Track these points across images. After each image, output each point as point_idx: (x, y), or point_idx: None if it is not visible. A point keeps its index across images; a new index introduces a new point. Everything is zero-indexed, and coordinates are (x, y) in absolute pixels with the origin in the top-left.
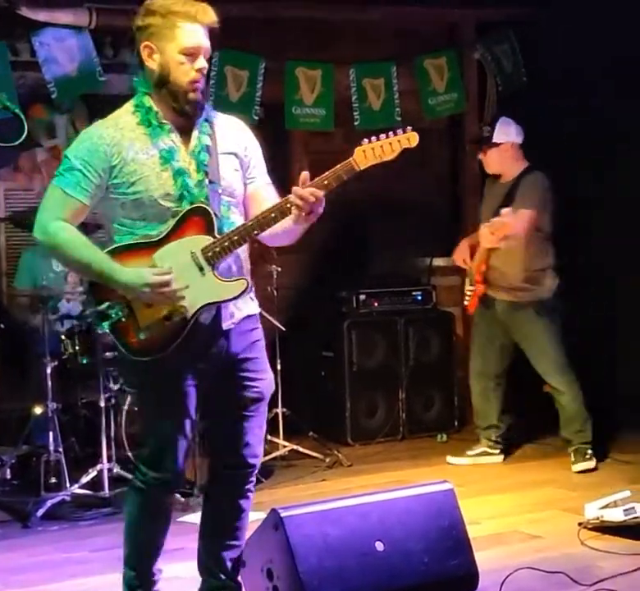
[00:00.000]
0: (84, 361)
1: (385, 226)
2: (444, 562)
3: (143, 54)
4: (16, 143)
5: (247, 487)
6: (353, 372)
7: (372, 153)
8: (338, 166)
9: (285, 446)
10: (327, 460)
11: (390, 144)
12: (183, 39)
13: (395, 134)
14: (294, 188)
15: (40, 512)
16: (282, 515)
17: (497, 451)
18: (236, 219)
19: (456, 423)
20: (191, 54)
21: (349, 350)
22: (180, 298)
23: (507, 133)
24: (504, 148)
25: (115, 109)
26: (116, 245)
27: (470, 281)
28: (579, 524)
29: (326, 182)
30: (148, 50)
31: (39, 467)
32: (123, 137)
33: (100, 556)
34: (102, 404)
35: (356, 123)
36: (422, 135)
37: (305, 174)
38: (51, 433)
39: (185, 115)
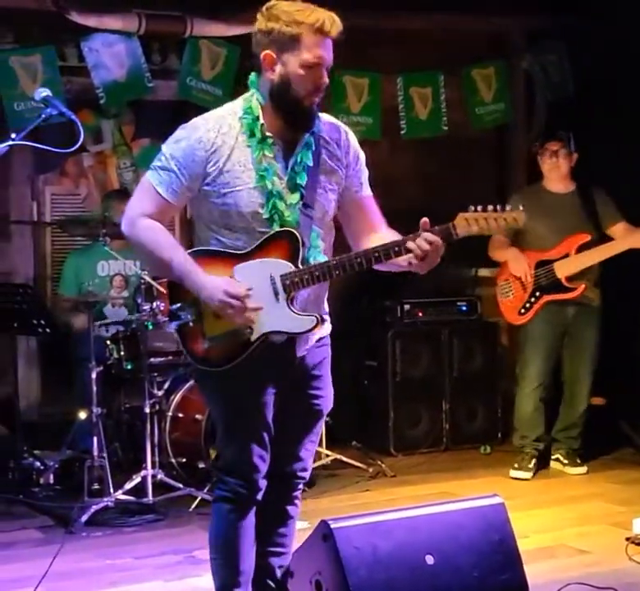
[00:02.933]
0: (129, 367)
1: None
2: (494, 576)
3: (263, 62)
4: (72, 149)
5: (294, 494)
6: (396, 382)
7: (475, 223)
8: (437, 227)
9: (328, 456)
10: (371, 470)
11: (495, 219)
12: (307, 53)
13: (503, 210)
14: (418, 242)
15: (84, 518)
16: (332, 526)
17: (568, 462)
18: (323, 249)
19: (500, 435)
20: (313, 67)
21: (392, 359)
22: (248, 318)
23: (573, 147)
24: (573, 159)
25: (161, 115)
26: (200, 248)
27: (525, 289)
28: (627, 539)
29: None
30: (270, 59)
31: (83, 472)
32: (223, 144)
33: (144, 564)
34: (147, 410)
35: (402, 132)
36: (469, 145)
37: (425, 220)
38: (95, 439)
39: (295, 129)
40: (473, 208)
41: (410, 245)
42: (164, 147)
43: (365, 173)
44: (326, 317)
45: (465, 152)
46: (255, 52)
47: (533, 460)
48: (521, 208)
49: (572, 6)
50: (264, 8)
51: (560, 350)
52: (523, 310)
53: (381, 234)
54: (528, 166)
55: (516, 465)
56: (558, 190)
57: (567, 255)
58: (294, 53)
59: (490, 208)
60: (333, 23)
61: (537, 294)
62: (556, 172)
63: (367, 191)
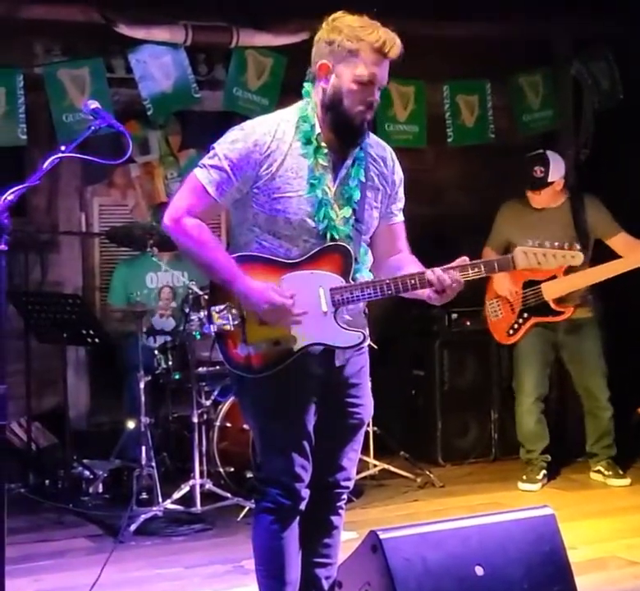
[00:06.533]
0: (177, 376)
1: (477, 244)
2: (545, 588)
3: (318, 71)
4: (121, 160)
5: (338, 504)
6: (444, 391)
7: (534, 257)
8: (495, 258)
9: (375, 466)
10: (419, 480)
11: (554, 255)
12: (363, 70)
13: (562, 248)
14: (436, 270)
15: (133, 527)
16: (381, 537)
17: (611, 473)
18: (369, 264)
19: None
20: (366, 84)
21: (440, 369)
22: (293, 326)
23: (559, 169)
24: (557, 184)
25: (208, 125)
26: (246, 254)
27: (513, 310)
28: None
29: (476, 269)
30: (325, 69)
31: (131, 481)
32: (278, 149)
33: (193, 573)
34: (195, 419)
35: (449, 140)
36: (515, 153)
37: (464, 259)
38: (143, 448)
39: (344, 143)
40: (530, 242)
41: (430, 276)
42: (217, 146)
43: (403, 199)
44: (365, 328)
45: (512, 159)
46: (313, 61)
47: (542, 472)
48: (578, 247)
49: (620, 12)
50: (330, 18)
51: (552, 362)
52: (511, 331)
53: (402, 257)
54: (575, 173)
55: (524, 477)
56: (541, 206)
57: (554, 276)
58: (350, 67)
59: (547, 244)
60: (393, 45)
61: (525, 315)
62: (540, 205)
63: (401, 217)
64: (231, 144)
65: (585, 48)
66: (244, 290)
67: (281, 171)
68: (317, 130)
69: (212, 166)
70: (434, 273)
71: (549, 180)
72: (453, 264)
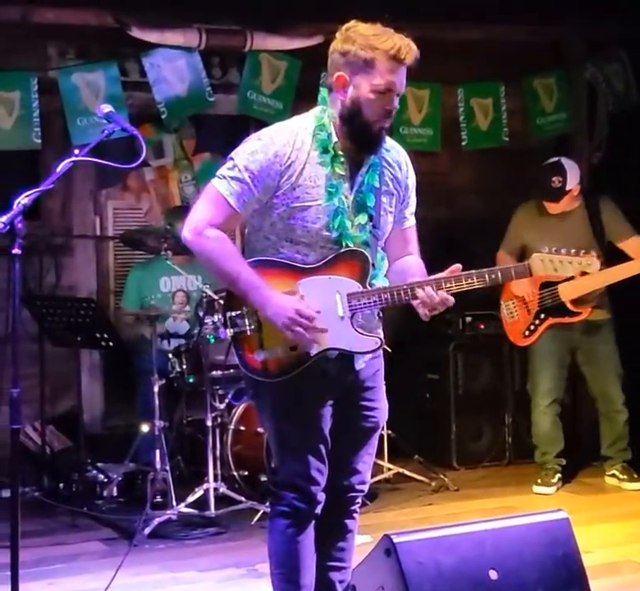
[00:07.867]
0: (191, 380)
1: (491, 248)
2: None
3: (335, 84)
4: (135, 164)
5: (352, 507)
6: (458, 395)
7: (550, 264)
8: (512, 265)
9: (389, 469)
10: (433, 483)
11: (570, 262)
12: (379, 79)
13: (577, 255)
14: (427, 290)
15: (147, 530)
16: (395, 540)
17: (626, 477)
18: (385, 271)
19: None
20: (384, 93)
21: (454, 372)
22: (312, 339)
23: (575, 176)
24: (574, 190)
25: (222, 129)
26: (263, 258)
27: (529, 311)
28: None
29: (494, 276)
30: (342, 81)
31: (145, 485)
32: (298, 159)
33: (206, 577)
34: (209, 423)
35: (463, 143)
36: (529, 156)
37: (456, 267)
38: (157, 451)
39: (361, 151)
40: (546, 249)
41: (419, 293)
42: (237, 157)
43: (414, 203)
44: (379, 331)
45: (526, 162)
46: (329, 72)
47: (557, 475)
48: (594, 254)
49: (634, 14)
50: (343, 28)
51: (569, 365)
52: (527, 332)
53: (407, 260)
54: (589, 176)
55: (539, 481)
56: (556, 210)
57: (572, 277)
58: (366, 78)
59: (563, 250)
60: (409, 50)
61: (542, 316)
62: (557, 210)
63: (412, 221)
64: (251, 155)
65: (599, 51)
66: (266, 301)
67: (301, 181)
68: (334, 138)
69: (232, 177)
70: (427, 294)
71: (567, 188)
72: (467, 272)
